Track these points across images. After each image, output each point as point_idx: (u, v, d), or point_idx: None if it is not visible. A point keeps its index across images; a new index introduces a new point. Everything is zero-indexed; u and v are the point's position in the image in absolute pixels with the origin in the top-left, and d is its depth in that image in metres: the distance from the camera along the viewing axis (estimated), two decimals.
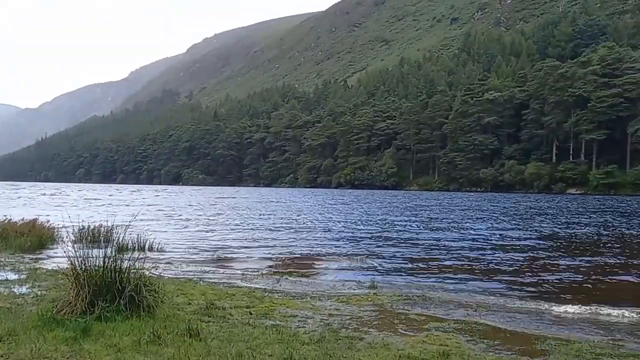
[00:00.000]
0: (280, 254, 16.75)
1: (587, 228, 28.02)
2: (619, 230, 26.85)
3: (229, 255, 16.32)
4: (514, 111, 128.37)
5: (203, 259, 15.49)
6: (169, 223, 28.10)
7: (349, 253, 17.11)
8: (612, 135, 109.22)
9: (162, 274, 11.51)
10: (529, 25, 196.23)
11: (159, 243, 16.63)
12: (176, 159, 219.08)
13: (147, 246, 15.58)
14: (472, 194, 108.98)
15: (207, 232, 23.92)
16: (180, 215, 35.11)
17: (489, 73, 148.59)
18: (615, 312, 9.50)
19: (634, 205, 56.37)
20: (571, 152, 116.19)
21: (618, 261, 15.82)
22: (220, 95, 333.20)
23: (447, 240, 21.31)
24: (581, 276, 13.33)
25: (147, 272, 7.85)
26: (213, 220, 31.40)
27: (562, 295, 10.96)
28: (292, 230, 25.01)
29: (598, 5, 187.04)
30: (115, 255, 7.55)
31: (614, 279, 13.02)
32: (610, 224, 30.76)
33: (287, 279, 12.19)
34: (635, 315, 9.28)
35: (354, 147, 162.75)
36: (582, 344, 7.38)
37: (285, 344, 6.44)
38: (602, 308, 9.67)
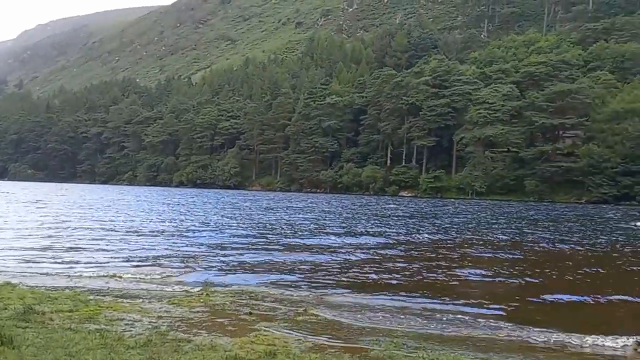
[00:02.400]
0: (113, 256, 16.17)
1: (426, 228, 29.86)
2: (454, 232, 28.86)
3: (55, 257, 15.46)
4: (353, 116, 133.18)
5: (25, 261, 14.54)
6: None
7: (183, 254, 16.91)
8: (441, 142, 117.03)
9: None
10: (369, 35, 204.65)
11: None
12: (2, 152, 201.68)
13: None
14: (314, 194, 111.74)
15: (31, 232, 22.43)
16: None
17: (331, 78, 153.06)
18: (430, 305, 10.30)
19: (454, 208, 60.94)
20: (404, 157, 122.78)
21: (443, 263, 17.03)
22: (53, 86, 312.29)
23: (286, 242, 21.74)
24: (412, 275, 14.23)
25: None
26: (39, 219, 29.49)
27: (387, 291, 11.65)
28: (125, 231, 24.20)
29: (431, 20, 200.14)
30: None
31: (445, 277, 14.01)
32: (443, 226, 32.99)
33: (116, 281, 11.82)
34: (445, 307, 10.12)
35: (197, 146, 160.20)
36: (400, 336, 7.94)
37: (108, 349, 6.29)
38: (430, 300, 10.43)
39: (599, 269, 16.20)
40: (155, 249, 18.00)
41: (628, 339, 8.11)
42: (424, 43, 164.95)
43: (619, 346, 7.97)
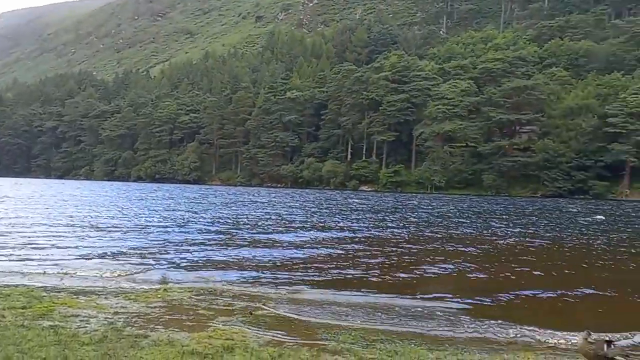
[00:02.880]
0: (70, 253, 15.81)
1: (385, 224, 30.01)
2: (412, 229, 29.09)
3: (9, 254, 15.04)
4: (313, 111, 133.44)
5: None
6: None
7: (142, 250, 16.64)
8: (400, 137, 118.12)
9: None
10: (329, 29, 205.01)
11: None
12: None
13: None
14: (275, 189, 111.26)
15: None
16: None
17: (291, 73, 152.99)
18: (391, 300, 10.36)
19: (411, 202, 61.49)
20: (364, 152, 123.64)
21: (407, 258, 17.13)
22: (7, 78, 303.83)
23: (249, 238, 21.61)
24: (371, 270, 14.27)
25: None
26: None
27: (349, 287, 11.66)
28: (83, 227, 23.71)
29: (391, 15, 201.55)
30: None
31: (409, 272, 14.05)
32: (403, 224, 33.23)
33: (72, 277, 11.56)
34: (406, 302, 10.20)
35: (156, 140, 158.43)
36: (358, 330, 7.95)
37: (62, 346, 6.16)
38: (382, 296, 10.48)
39: (565, 263, 16.44)
40: (113, 245, 17.65)
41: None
42: (383, 38, 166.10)
43: (575, 340, 8.09)
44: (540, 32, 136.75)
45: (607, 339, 6.62)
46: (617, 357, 6.64)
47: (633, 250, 20.20)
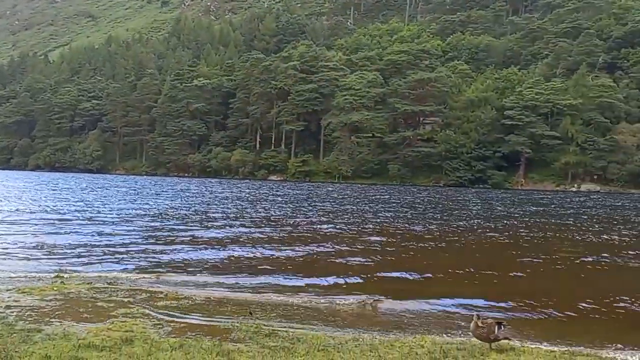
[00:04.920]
0: None
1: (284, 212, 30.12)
2: (321, 219, 29.36)
3: None
4: (221, 99, 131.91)
5: None
6: None
7: (38, 242, 15.96)
8: (309, 127, 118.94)
9: None
10: (237, 17, 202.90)
11: None
12: None
13: None
14: (183, 179, 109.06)
15: None
16: None
17: (199, 60, 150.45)
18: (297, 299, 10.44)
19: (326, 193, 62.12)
20: (273, 141, 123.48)
21: (319, 253, 17.20)
22: None
23: (149, 230, 21.21)
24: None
25: None
26: None
27: (258, 287, 11.62)
28: None
29: (299, 5, 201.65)
30: None
31: (309, 269, 14.01)
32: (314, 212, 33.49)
33: None
34: (319, 299, 10.31)
35: (55, 127, 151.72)
36: (262, 322, 8.00)
37: None
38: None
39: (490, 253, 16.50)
40: (8, 238, 16.82)
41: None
42: (292, 28, 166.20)
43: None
44: (443, 26, 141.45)
45: (497, 321, 6.99)
46: (508, 337, 7.06)
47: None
